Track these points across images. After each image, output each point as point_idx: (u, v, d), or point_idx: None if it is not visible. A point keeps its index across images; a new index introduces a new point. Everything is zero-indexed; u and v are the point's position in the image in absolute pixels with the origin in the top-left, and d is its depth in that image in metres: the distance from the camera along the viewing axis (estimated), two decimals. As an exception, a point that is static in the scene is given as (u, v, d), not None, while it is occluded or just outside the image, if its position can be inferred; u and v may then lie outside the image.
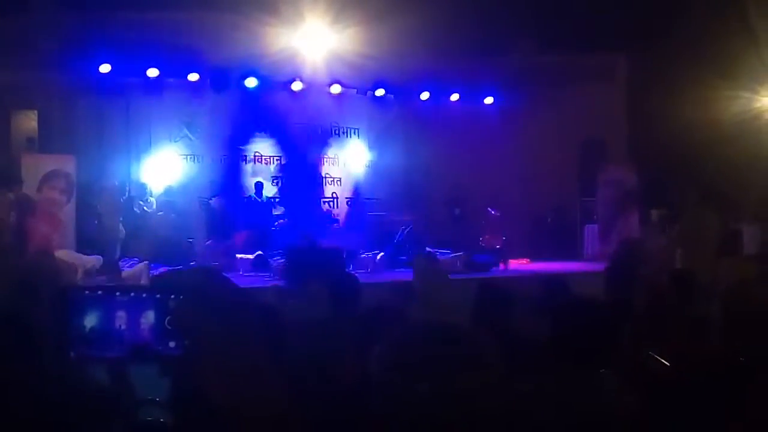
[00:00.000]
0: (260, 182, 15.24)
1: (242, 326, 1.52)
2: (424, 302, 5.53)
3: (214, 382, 1.46)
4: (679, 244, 10.63)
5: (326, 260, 12.50)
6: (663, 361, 3.53)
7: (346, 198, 16.81)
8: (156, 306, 1.64)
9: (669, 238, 14.21)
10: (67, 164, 13.07)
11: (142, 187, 14.22)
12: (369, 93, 16.59)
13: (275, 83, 15.42)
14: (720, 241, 10.57)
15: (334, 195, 16.73)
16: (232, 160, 15.60)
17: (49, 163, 13.01)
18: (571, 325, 2.99)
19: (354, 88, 16.31)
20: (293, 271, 11.92)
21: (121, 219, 13.41)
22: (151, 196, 14.17)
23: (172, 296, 1.62)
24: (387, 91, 16.67)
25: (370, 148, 17.08)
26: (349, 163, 16.84)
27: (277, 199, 15.78)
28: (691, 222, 10.54)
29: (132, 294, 1.68)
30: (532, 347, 3.17)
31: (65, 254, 11.69)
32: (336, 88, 16.01)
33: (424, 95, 17.12)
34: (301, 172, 16.24)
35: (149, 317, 1.65)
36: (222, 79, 14.77)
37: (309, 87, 15.61)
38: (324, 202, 16.57)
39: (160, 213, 13.83)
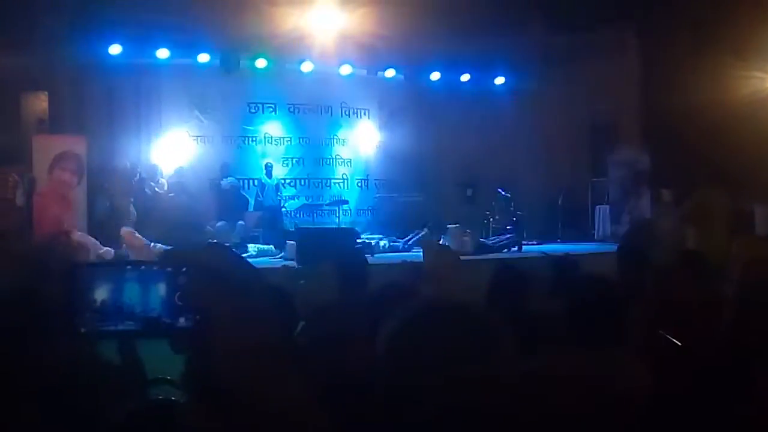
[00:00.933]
0: (270, 163, 15.24)
1: (253, 303, 1.51)
2: (434, 283, 5.52)
3: (225, 358, 1.45)
4: (690, 224, 10.58)
5: (337, 240, 12.56)
6: (674, 340, 3.53)
7: (357, 179, 16.80)
8: (166, 281, 1.63)
9: (680, 218, 14.14)
10: (78, 145, 13.10)
11: (153, 169, 14.24)
12: (379, 74, 16.54)
13: (285, 64, 15.38)
14: (732, 221, 10.52)
15: (345, 176, 16.73)
16: (242, 141, 15.61)
17: (60, 144, 13.03)
18: (582, 306, 2.99)
19: (364, 68, 16.25)
20: (303, 250, 11.96)
21: (132, 200, 13.45)
22: (162, 177, 14.20)
23: (182, 271, 1.61)
24: (397, 72, 16.62)
25: (381, 128, 17.05)
26: (359, 144, 16.82)
27: (287, 180, 15.80)
28: (703, 202, 10.49)
29: (142, 269, 1.68)
30: (543, 328, 3.16)
31: (80, 236, 11.85)
32: (346, 69, 15.97)
33: (435, 76, 17.07)
34: (311, 153, 16.26)
35: (159, 292, 1.64)
36: (232, 59, 14.74)
37: (319, 68, 15.57)
38: (334, 183, 16.59)
39: (171, 194, 13.86)
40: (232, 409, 1.51)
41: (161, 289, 1.63)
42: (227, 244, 11.86)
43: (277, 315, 2.18)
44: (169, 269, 1.62)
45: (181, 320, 1.62)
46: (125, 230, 12.36)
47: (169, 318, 1.63)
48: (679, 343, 3.52)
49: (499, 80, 17.63)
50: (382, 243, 14.15)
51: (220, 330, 1.46)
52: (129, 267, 1.68)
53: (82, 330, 1.65)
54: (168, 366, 2.14)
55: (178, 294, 1.60)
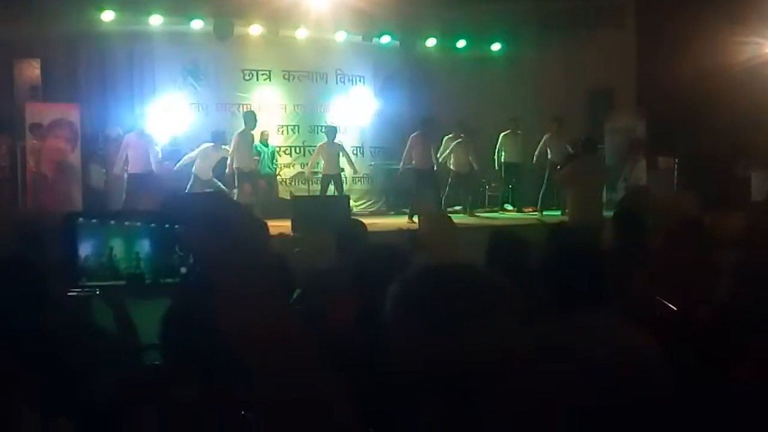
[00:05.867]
0: (266, 131, 15.16)
1: (255, 250, 1.46)
2: (430, 249, 5.52)
3: (224, 310, 1.41)
4: (686, 190, 10.62)
5: (332, 207, 12.56)
6: (669, 305, 3.53)
7: (352, 147, 16.72)
8: (166, 231, 1.60)
9: (677, 184, 14.18)
10: (71, 113, 13.04)
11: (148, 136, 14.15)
12: (374, 40, 16.41)
13: (279, 30, 15.25)
14: (728, 187, 10.56)
15: (340, 143, 16.65)
16: (237, 108, 15.50)
17: (53, 111, 12.97)
18: (578, 271, 2.98)
19: (359, 35, 16.12)
20: (299, 218, 11.96)
21: (126, 167, 13.41)
22: (156, 144, 14.12)
23: (182, 220, 1.56)
24: (392, 38, 16.49)
25: (376, 95, 16.95)
26: (354, 111, 16.72)
27: (282, 148, 15.74)
28: (699, 169, 10.53)
29: (142, 220, 1.65)
30: (540, 293, 3.16)
31: None
32: (341, 35, 15.84)
33: (431, 42, 16.95)
34: (306, 121, 16.17)
35: (160, 242, 1.61)
36: (226, 26, 14.60)
37: (314, 34, 15.44)
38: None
39: (165, 162, 13.79)
40: (227, 367, 1.49)
41: (162, 239, 1.60)
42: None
43: (279, 272, 2.17)
44: (169, 219, 1.58)
45: (182, 270, 1.59)
46: None
47: (169, 268, 1.60)
48: (675, 308, 3.52)
49: (496, 46, 17.51)
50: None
51: (222, 279, 1.41)
52: (127, 220, 1.66)
53: (81, 283, 1.63)
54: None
55: (178, 244, 1.57)
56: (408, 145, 14.15)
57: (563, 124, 15.22)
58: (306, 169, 15.13)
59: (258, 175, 13.79)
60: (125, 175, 13.07)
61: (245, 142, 13.35)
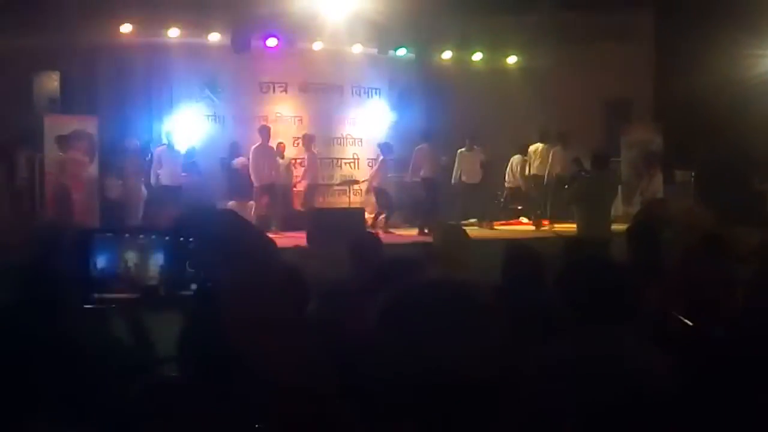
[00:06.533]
0: (281, 142, 15.21)
1: (267, 267, 1.48)
2: (444, 263, 5.51)
3: (235, 325, 1.43)
4: (703, 204, 10.57)
5: (347, 221, 12.58)
6: (686, 320, 3.52)
7: (367, 159, 16.75)
8: (178, 247, 1.61)
9: (693, 198, 14.10)
10: (90, 125, 13.14)
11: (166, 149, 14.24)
12: (390, 53, 16.45)
13: (296, 43, 15.31)
14: (746, 200, 10.51)
15: (355, 156, 16.69)
16: (254, 120, 15.56)
17: (72, 123, 13.07)
18: (593, 285, 2.97)
19: (375, 47, 16.16)
20: (315, 231, 11.98)
21: (143, 180, 13.49)
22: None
23: (193, 237, 1.58)
24: (408, 51, 16.52)
25: (392, 108, 16.98)
26: (370, 123, 16.76)
27: (298, 160, 15.78)
28: (716, 182, 10.48)
29: (154, 236, 1.66)
30: (554, 307, 3.15)
31: None
32: (357, 48, 15.89)
33: (446, 54, 16.97)
34: (321, 133, 16.21)
35: (171, 259, 1.62)
36: (243, 39, 14.68)
37: (330, 47, 15.50)
38: (345, 162, 16.55)
39: (183, 174, 13.86)
40: (241, 380, 1.50)
41: (173, 256, 1.60)
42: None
43: (290, 287, 2.18)
44: (181, 236, 1.60)
45: (193, 286, 1.59)
46: None
47: (180, 284, 1.61)
48: (691, 323, 3.50)
49: (512, 59, 17.51)
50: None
51: (232, 295, 1.43)
52: (141, 235, 1.67)
53: (94, 298, 1.65)
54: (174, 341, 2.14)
55: (189, 261, 1.58)
56: (414, 157, 14.33)
57: (568, 139, 15.16)
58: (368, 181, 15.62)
59: (275, 188, 13.89)
60: (155, 187, 13.31)
61: (262, 156, 13.53)
